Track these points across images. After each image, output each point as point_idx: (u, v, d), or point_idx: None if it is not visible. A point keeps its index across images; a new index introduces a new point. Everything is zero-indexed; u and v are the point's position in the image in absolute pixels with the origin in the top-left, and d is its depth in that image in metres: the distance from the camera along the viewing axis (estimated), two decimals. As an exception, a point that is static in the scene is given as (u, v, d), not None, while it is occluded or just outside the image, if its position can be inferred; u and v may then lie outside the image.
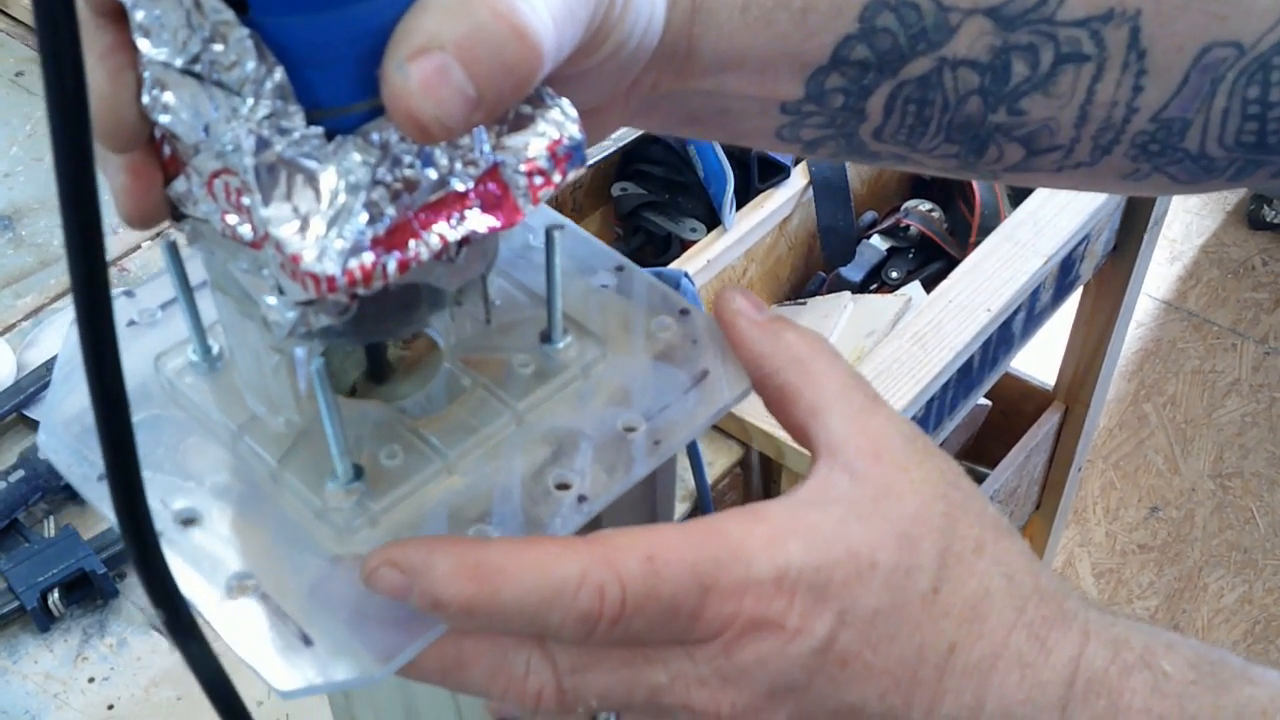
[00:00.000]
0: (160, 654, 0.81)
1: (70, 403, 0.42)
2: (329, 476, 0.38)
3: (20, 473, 0.87)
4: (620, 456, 0.40)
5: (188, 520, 0.38)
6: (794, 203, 1.34)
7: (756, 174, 1.32)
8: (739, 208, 1.29)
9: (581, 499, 0.39)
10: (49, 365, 0.95)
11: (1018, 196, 1.47)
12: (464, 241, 0.33)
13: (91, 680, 0.80)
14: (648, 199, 1.34)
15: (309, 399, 0.38)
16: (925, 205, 1.53)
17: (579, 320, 0.43)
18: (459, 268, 0.36)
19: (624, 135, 1.30)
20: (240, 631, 0.36)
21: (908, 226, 1.50)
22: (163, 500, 0.39)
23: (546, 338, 0.42)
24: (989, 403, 1.72)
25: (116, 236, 1.10)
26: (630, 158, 1.36)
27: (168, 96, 0.32)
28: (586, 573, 0.35)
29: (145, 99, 0.32)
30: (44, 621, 0.82)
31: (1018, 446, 1.64)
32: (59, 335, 1.00)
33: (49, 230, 1.12)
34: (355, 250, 0.31)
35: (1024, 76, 0.46)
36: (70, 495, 0.90)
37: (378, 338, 0.39)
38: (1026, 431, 1.66)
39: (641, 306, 0.45)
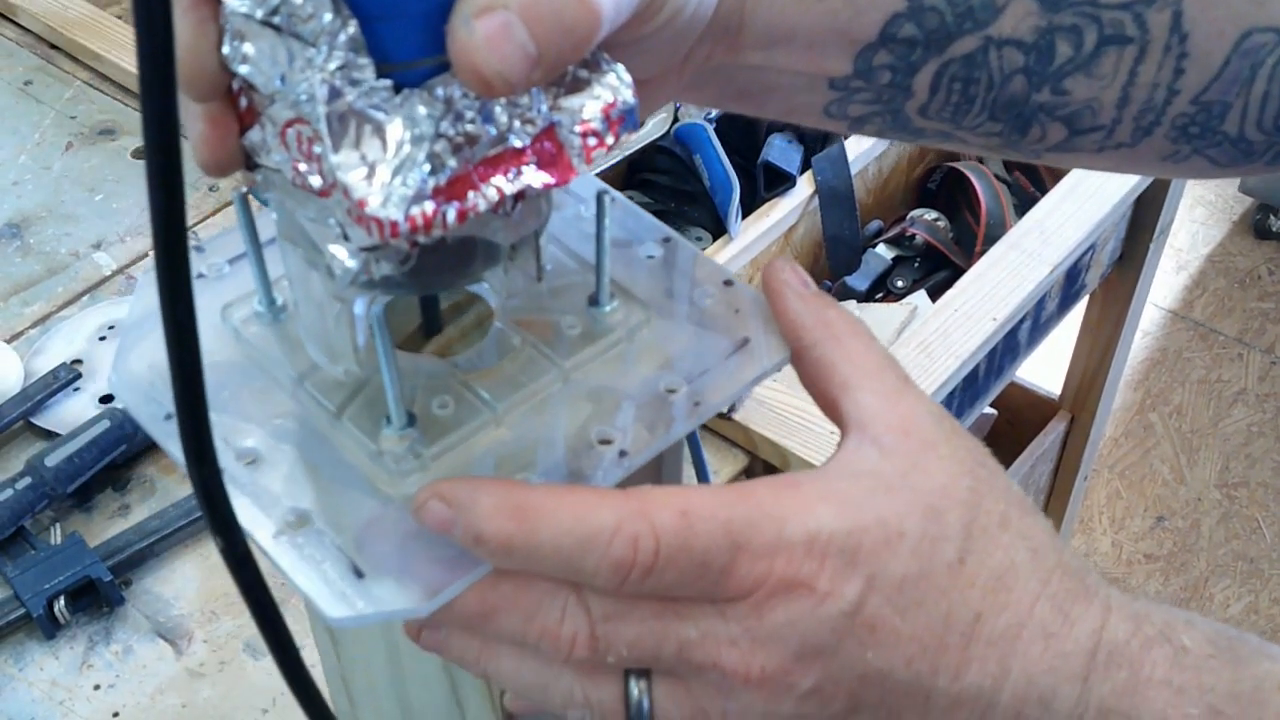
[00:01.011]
0: (165, 661, 0.81)
1: (140, 351, 0.44)
2: (384, 422, 0.40)
3: (27, 480, 0.87)
4: (661, 416, 0.42)
5: (250, 460, 0.41)
6: (799, 212, 1.34)
7: (762, 183, 1.32)
8: (744, 216, 1.29)
9: (622, 454, 0.40)
10: (56, 373, 0.95)
11: (1024, 205, 1.47)
12: (519, 196, 0.35)
13: (97, 687, 0.80)
14: (654, 207, 1.34)
15: (367, 349, 0.40)
16: (931, 214, 1.53)
17: (626, 287, 0.45)
18: (514, 223, 0.38)
19: (630, 144, 1.31)
20: (296, 563, 0.38)
21: (913, 236, 1.50)
22: (226, 440, 0.41)
23: (594, 301, 0.44)
24: (995, 412, 1.72)
25: (123, 245, 1.11)
26: (637, 167, 1.36)
27: (247, 47, 0.34)
28: (622, 522, 0.36)
29: (226, 49, 0.34)
30: (50, 629, 0.82)
31: (1023, 456, 1.64)
32: (66, 343, 1.00)
33: (56, 238, 1.12)
34: (418, 198, 0.33)
35: (1068, 57, 0.47)
36: (77, 503, 0.90)
37: (436, 289, 0.41)
38: (1032, 441, 1.66)
39: (686, 276, 0.47)
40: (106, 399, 0.96)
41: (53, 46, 1.33)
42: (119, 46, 1.29)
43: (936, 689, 0.38)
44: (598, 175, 1.31)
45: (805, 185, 1.34)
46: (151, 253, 1.08)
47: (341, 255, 0.36)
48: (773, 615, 0.37)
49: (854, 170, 1.37)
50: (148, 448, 0.93)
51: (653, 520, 0.36)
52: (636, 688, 0.39)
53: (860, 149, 1.39)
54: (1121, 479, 2.32)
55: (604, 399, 0.42)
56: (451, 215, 0.33)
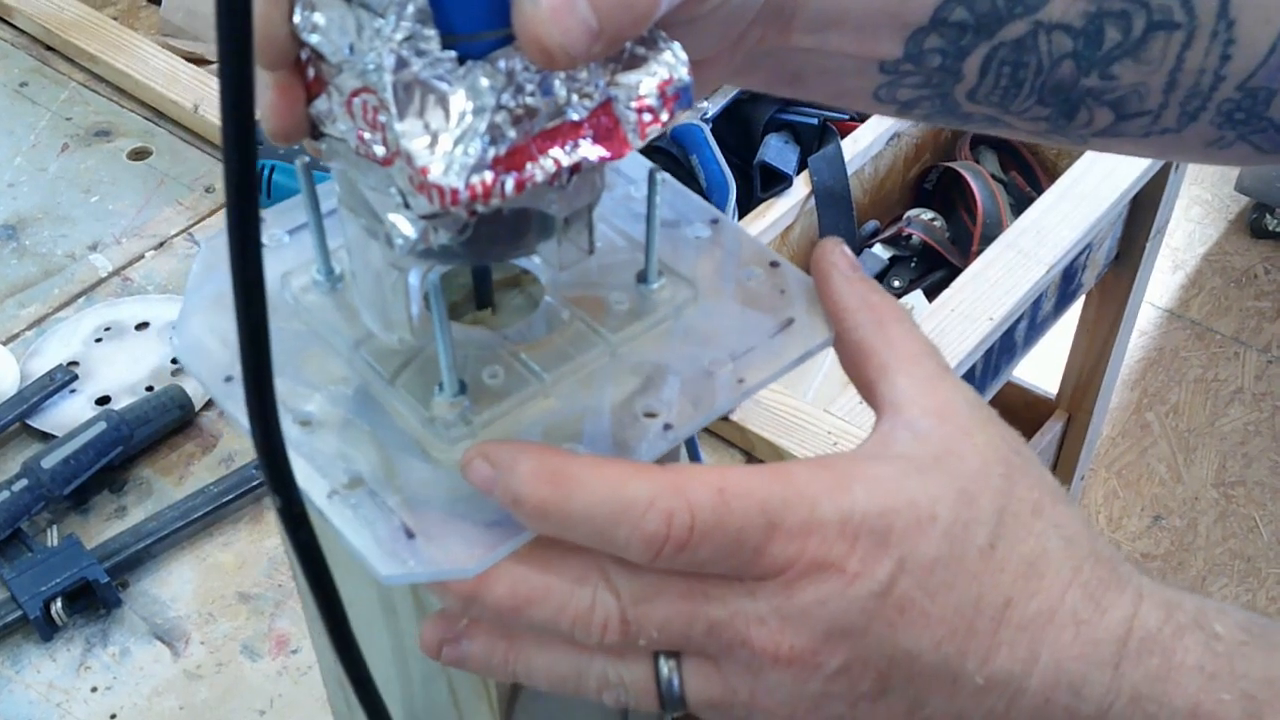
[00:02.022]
0: (163, 664, 0.81)
1: (201, 313, 0.46)
2: (436, 390, 0.41)
3: (23, 482, 0.87)
4: (705, 391, 0.43)
5: (306, 423, 0.42)
6: (796, 212, 1.34)
7: (759, 183, 1.32)
8: (741, 217, 1.29)
9: (667, 427, 0.41)
10: (52, 375, 0.95)
11: (1020, 205, 1.47)
12: (575, 169, 0.36)
13: (94, 690, 0.80)
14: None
15: (422, 319, 0.41)
16: (927, 214, 1.54)
17: (673, 266, 0.46)
18: (568, 195, 0.39)
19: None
20: (350, 523, 0.39)
21: (910, 235, 1.50)
22: (284, 403, 0.41)
23: (642, 278, 0.45)
24: (992, 411, 1.72)
25: (119, 246, 1.11)
26: (632, 167, 1.36)
27: (318, 16, 0.35)
28: (656, 496, 0.36)
29: (297, 19, 0.36)
30: (47, 631, 0.82)
31: (1020, 455, 1.64)
32: (63, 344, 1.00)
33: (52, 240, 1.12)
34: (478, 167, 0.34)
35: (1116, 42, 0.47)
36: (73, 505, 0.90)
37: (490, 259, 0.42)
38: (1029, 440, 1.66)
39: (733, 257, 0.47)
40: (103, 401, 0.96)
41: (48, 48, 1.33)
42: (115, 48, 1.28)
43: (965, 672, 0.38)
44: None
45: (801, 185, 1.34)
46: (154, 253, 1.08)
47: (401, 224, 0.37)
48: (803, 595, 0.37)
49: (850, 170, 1.37)
50: (144, 449, 0.93)
51: (689, 496, 0.36)
52: (666, 666, 0.39)
53: (856, 149, 1.39)
54: (1118, 478, 2.32)
55: (650, 373, 0.43)
56: (510, 185, 0.34)
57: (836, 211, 1.38)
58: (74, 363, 0.98)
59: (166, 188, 1.17)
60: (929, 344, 0.43)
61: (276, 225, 0.49)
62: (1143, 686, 0.38)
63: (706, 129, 1.31)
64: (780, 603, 0.37)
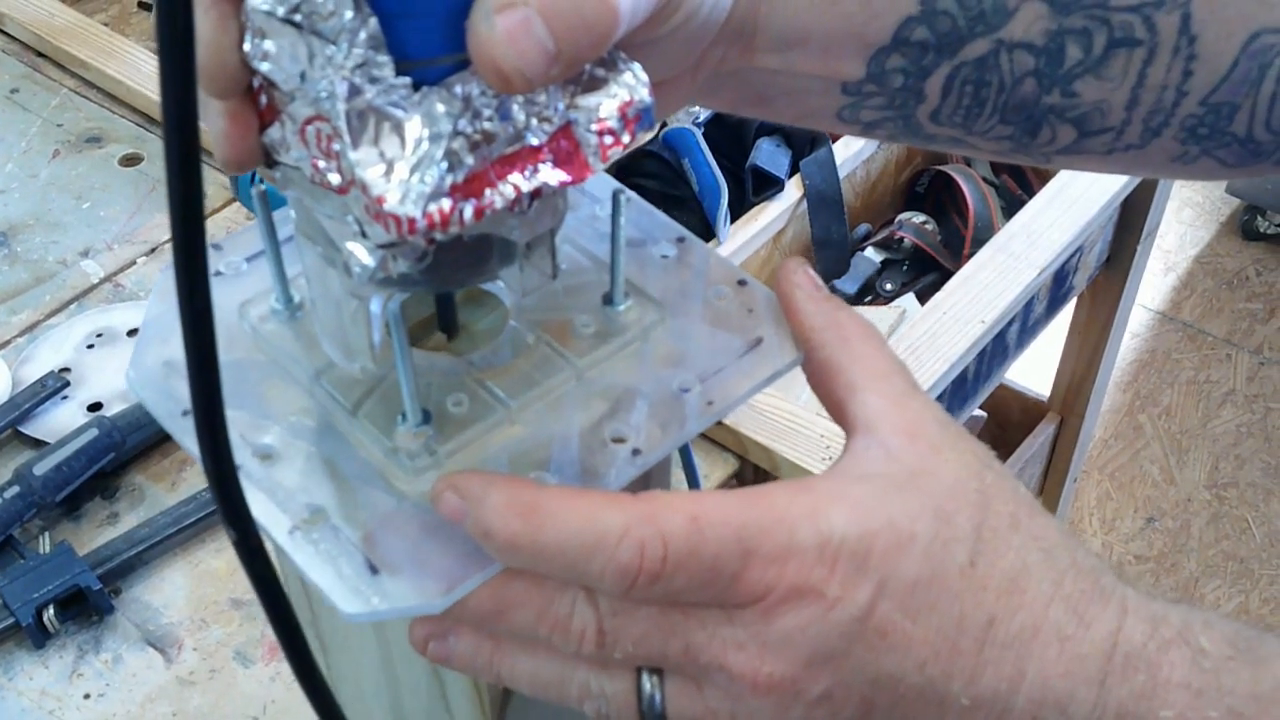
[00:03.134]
0: (155, 670, 0.81)
1: (157, 347, 0.45)
2: (399, 419, 0.40)
3: (15, 489, 0.87)
4: (674, 414, 0.42)
5: (266, 456, 0.41)
6: (788, 216, 1.34)
7: (750, 187, 1.32)
8: (733, 221, 1.29)
9: (636, 452, 0.41)
10: (44, 381, 0.95)
11: (1011, 208, 1.47)
12: (536, 194, 0.35)
13: (87, 696, 0.80)
14: (642, 212, 1.34)
15: (383, 348, 0.40)
16: (919, 218, 1.54)
17: (640, 286, 0.45)
18: (530, 220, 0.38)
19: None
20: (311, 559, 0.38)
21: (902, 239, 1.51)
22: (243, 436, 0.41)
23: (608, 300, 0.45)
24: (984, 414, 1.72)
25: (111, 253, 1.11)
26: (625, 171, 1.36)
27: (268, 44, 0.34)
28: (630, 527, 0.36)
29: (247, 47, 0.35)
30: (39, 638, 0.82)
31: (1013, 458, 1.64)
32: (54, 351, 1.00)
33: (44, 246, 1.12)
34: (435, 195, 0.33)
35: (1077, 59, 0.47)
36: (65, 511, 0.90)
37: (451, 286, 0.42)
38: (1022, 443, 1.67)
39: (700, 276, 0.47)
40: (95, 407, 0.95)
41: (39, 54, 1.33)
42: (105, 54, 1.28)
43: (950, 694, 0.38)
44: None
45: (793, 189, 1.34)
46: (145, 259, 1.08)
47: (359, 252, 0.36)
48: (782, 621, 0.37)
49: (842, 174, 1.37)
50: (136, 456, 0.93)
51: (662, 525, 0.36)
52: (649, 682, 0.39)
53: (848, 153, 1.39)
54: (1111, 480, 2.33)
55: (618, 397, 0.42)
56: (468, 212, 0.34)
57: (828, 215, 1.38)
58: (66, 369, 0.98)
59: (158, 194, 1.16)
60: (897, 361, 0.42)
61: (234, 252, 0.48)
62: (1129, 703, 0.37)
63: (698, 133, 1.32)
64: (759, 629, 0.37)
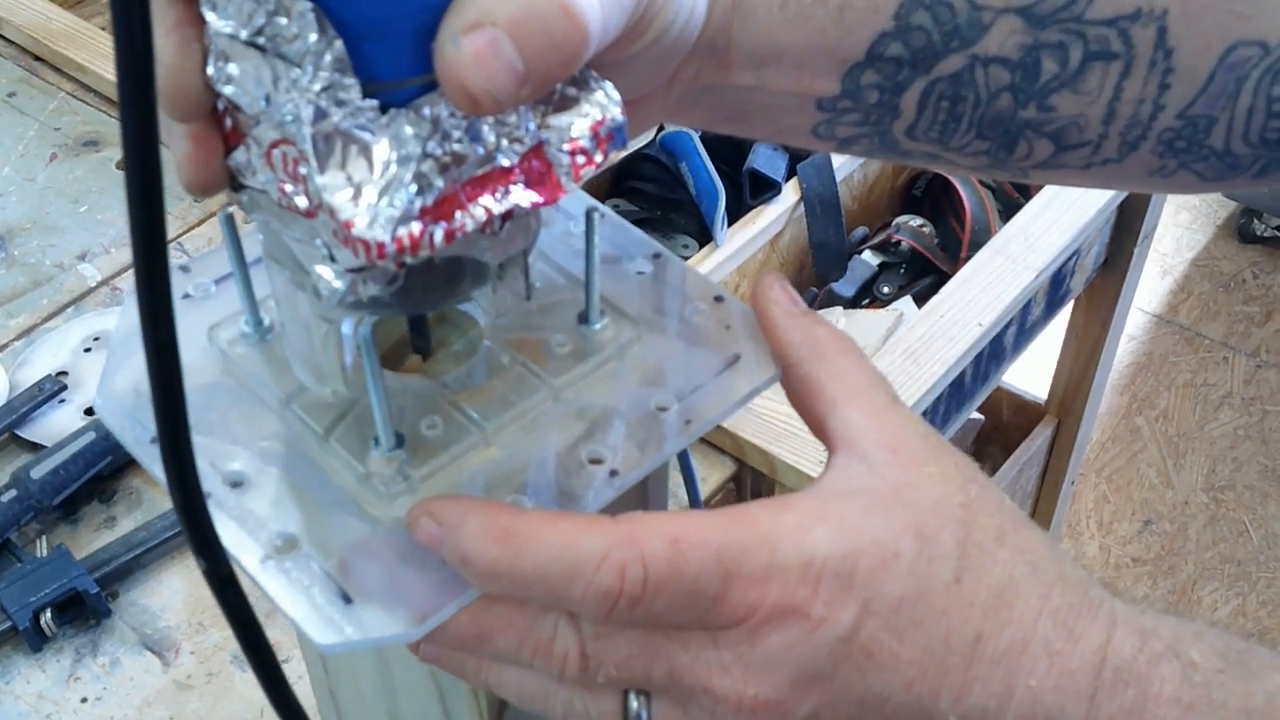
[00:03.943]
0: (153, 674, 0.81)
1: (126, 372, 0.44)
2: (372, 444, 0.40)
3: (12, 492, 0.87)
4: (652, 434, 0.41)
5: (236, 483, 0.40)
6: (785, 219, 1.34)
7: (748, 190, 1.32)
8: (731, 224, 1.29)
9: (613, 473, 0.40)
10: (41, 385, 0.95)
11: (1008, 211, 1.47)
12: (507, 215, 0.35)
13: (84, 700, 0.80)
14: (640, 215, 1.34)
15: (355, 370, 0.39)
16: (916, 221, 1.54)
17: (616, 303, 0.45)
18: (502, 242, 0.37)
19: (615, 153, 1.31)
20: (283, 589, 0.37)
21: (899, 242, 1.51)
22: (213, 463, 0.41)
23: (584, 319, 0.44)
24: (981, 417, 1.72)
25: (108, 256, 1.10)
26: (622, 175, 1.36)
27: (232, 68, 0.34)
28: (610, 551, 0.35)
29: (210, 70, 0.34)
30: (36, 641, 0.82)
31: (1010, 460, 1.64)
32: (51, 355, 1.00)
33: (41, 250, 1.12)
34: (404, 219, 0.33)
35: (1053, 74, 0.47)
36: (63, 515, 0.90)
37: (423, 309, 0.41)
38: (1019, 445, 1.67)
39: (677, 292, 0.46)
40: (92, 410, 0.95)
41: (36, 58, 1.33)
42: (103, 58, 1.28)
43: (939, 711, 0.37)
44: (584, 183, 1.31)
45: (791, 192, 1.34)
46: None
47: (328, 276, 0.35)
48: (766, 642, 0.36)
49: (839, 177, 1.37)
50: (133, 459, 0.93)
51: (642, 548, 0.35)
52: (636, 702, 0.38)
53: (845, 156, 1.39)
54: (1109, 483, 2.33)
55: (595, 417, 0.42)
56: (439, 236, 0.33)
57: (825, 218, 1.38)
58: (63, 372, 0.98)
59: (155, 197, 1.16)
60: (877, 374, 0.42)
61: (203, 274, 0.47)
62: (1119, 718, 0.37)
63: (696, 136, 1.32)
64: (744, 650, 0.36)
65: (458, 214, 0.34)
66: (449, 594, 0.37)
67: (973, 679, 0.37)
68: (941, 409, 1.19)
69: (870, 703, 0.37)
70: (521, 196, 0.35)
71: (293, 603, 0.37)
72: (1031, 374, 1.76)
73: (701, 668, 0.37)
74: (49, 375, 0.97)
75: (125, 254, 1.11)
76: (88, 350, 1.01)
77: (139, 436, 0.42)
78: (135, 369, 0.43)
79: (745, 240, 1.29)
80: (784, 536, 0.36)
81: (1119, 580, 2.18)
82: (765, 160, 1.32)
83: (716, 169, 1.30)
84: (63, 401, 0.96)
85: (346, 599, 0.37)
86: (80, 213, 1.15)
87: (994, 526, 0.39)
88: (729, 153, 1.34)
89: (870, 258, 1.51)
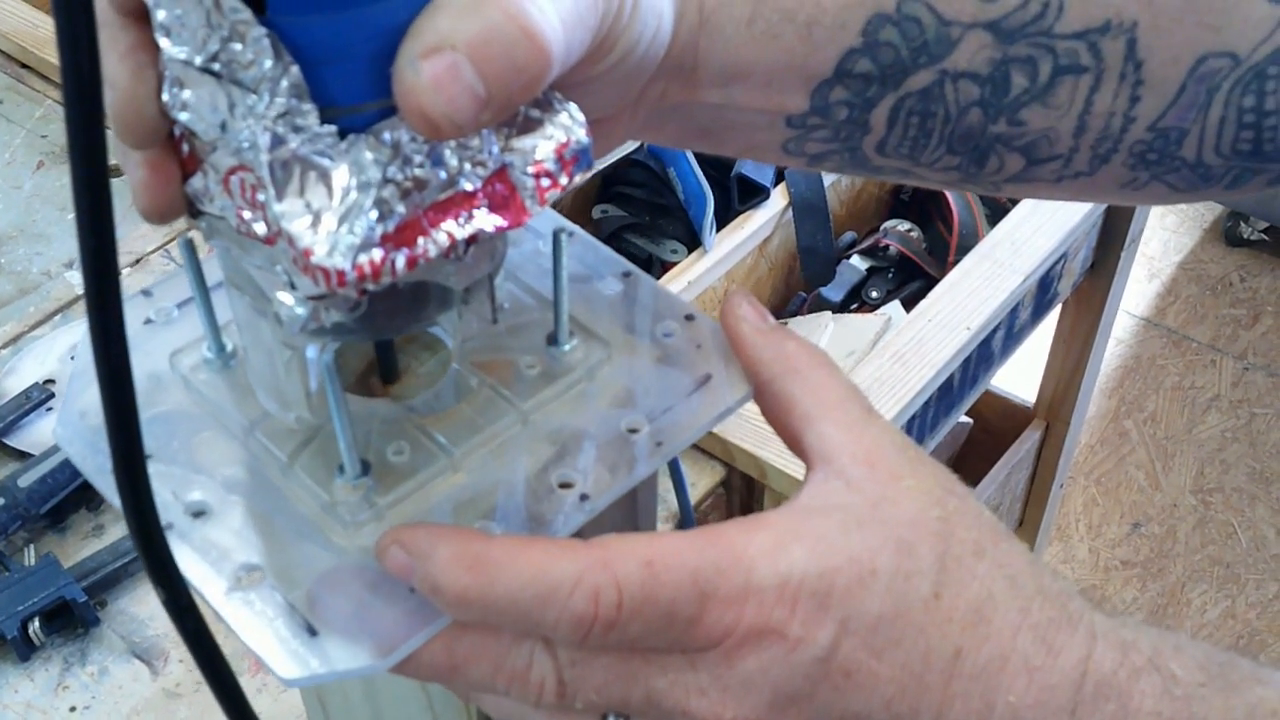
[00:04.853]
0: (141, 683, 0.81)
1: (86, 397, 0.43)
2: (337, 472, 0.39)
3: (0, 501, 0.87)
4: (623, 456, 0.41)
5: (198, 513, 0.39)
6: (774, 224, 1.34)
7: (736, 195, 1.32)
8: (719, 229, 1.29)
9: (584, 498, 0.39)
10: (29, 393, 0.95)
11: (996, 216, 1.48)
12: (471, 240, 0.34)
13: (73, 709, 0.79)
14: (629, 221, 1.34)
15: (319, 397, 0.39)
16: (904, 225, 1.54)
17: (585, 324, 0.44)
18: (467, 266, 0.37)
19: (604, 158, 1.31)
20: (246, 621, 0.37)
21: (887, 246, 1.51)
22: (174, 493, 0.40)
23: (553, 340, 0.43)
24: (970, 421, 1.72)
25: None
26: (611, 180, 1.36)
27: (187, 94, 0.33)
28: (583, 575, 0.35)
29: (165, 96, 0.33)
30: (24, 650, 0.82)
31: (999, 464, 1.65)
32: (38, 363, 1.00)
33: (27, 258, 1.12)
34: (365, 246, 0.32)
35: (1023, 88, 0.46)
36: (50, 523, 0.90)
37: (387, 334, 0.40)
38: (1008, 449, 1.67)
39: (647, 311, 0.46)
40: (80, 419, 0.95)
41: (23, 65, 1.33)
42: (90, 65, 1.28)
43: None
44: (571, 189, 1.31)
45: (779, 197, 1.35)
46: (129, 270, 1.07)
47: (289, 303, 0.35)
48: (743, 664, 0.36)
49: (827, 182, 1.38)
50: (122, 467, 0.93)
51: (615, 571, 0.35)
52: None
53: (833, 161, 1.39)
54: (1097, 486, 2.33)
55: (565, 440, 0.41)
56: (401, 262, 0.33)
57: (813, 223, 1.38)
58: (50, 381, 0.98)
59: (143, 204, 1.16)
60: (851, 387, 0.41)
61: (165, 298, 0.46)
62: None
63: (683, 142, 1.32)
64: (721, 672, 0.36)
65: (420, 240, 0.33)
66: (417, 624, 0.36)
67: (952, 695, 0.37)
68: (930, 413, 1.19)
69: None
70: (485, 221, 0.34)
71: (256, 636, 0.36)
72: (1020, 378, 1.77)
73: (679, 691, 0.37)
74: (36, 383, 0.97)
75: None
76: (75, 358, 1.00)
77: (99, 465, 0.41)
78: (95, 396, 0.42)
79: (734, 245, 1.29)
80: (759, 556, 0.36)
81: (1108, 583, 2.18)
82: (753, 165, 1.33)
83: (705, 174, 1.30)
84: (50, 410, 0.96)
85: (312, 631, 0.36)
86: (67, 220, 1.15)
87: (972, 540, 0.38)
88: (717, 158, 1.34)
89: (858, 262, 1.51)
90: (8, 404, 0.95)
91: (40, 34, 1.32)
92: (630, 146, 1.32)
